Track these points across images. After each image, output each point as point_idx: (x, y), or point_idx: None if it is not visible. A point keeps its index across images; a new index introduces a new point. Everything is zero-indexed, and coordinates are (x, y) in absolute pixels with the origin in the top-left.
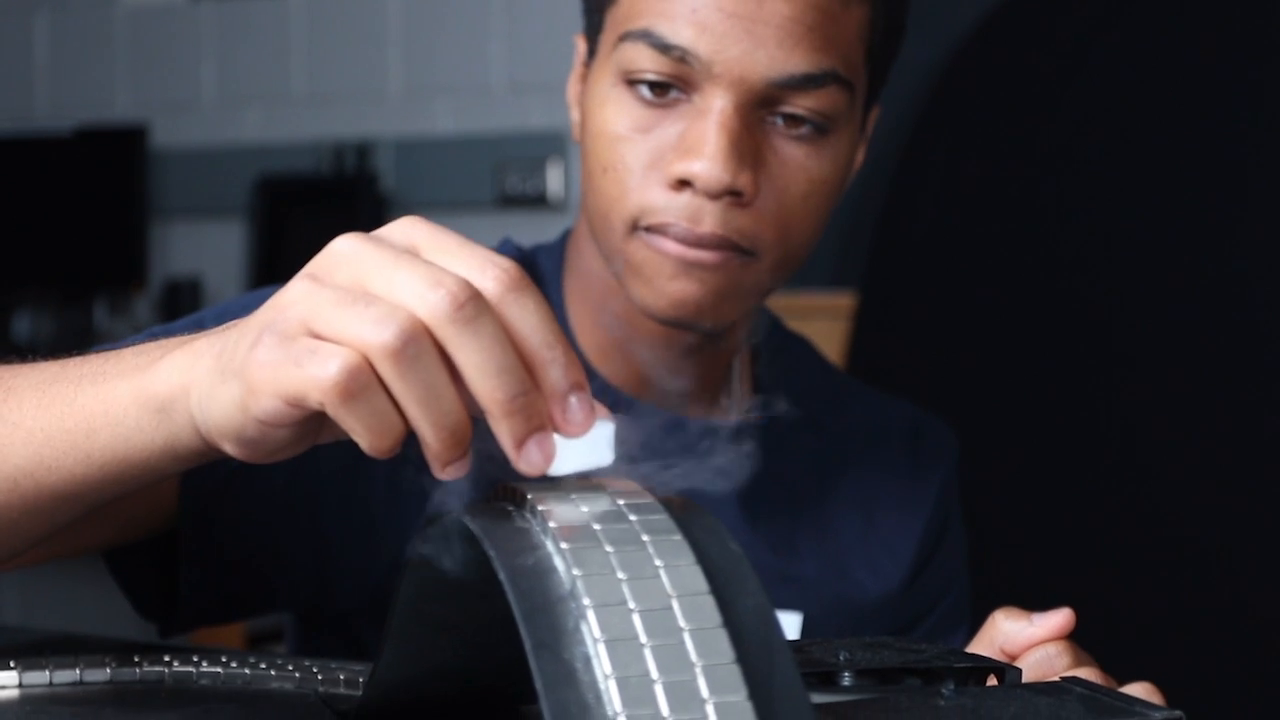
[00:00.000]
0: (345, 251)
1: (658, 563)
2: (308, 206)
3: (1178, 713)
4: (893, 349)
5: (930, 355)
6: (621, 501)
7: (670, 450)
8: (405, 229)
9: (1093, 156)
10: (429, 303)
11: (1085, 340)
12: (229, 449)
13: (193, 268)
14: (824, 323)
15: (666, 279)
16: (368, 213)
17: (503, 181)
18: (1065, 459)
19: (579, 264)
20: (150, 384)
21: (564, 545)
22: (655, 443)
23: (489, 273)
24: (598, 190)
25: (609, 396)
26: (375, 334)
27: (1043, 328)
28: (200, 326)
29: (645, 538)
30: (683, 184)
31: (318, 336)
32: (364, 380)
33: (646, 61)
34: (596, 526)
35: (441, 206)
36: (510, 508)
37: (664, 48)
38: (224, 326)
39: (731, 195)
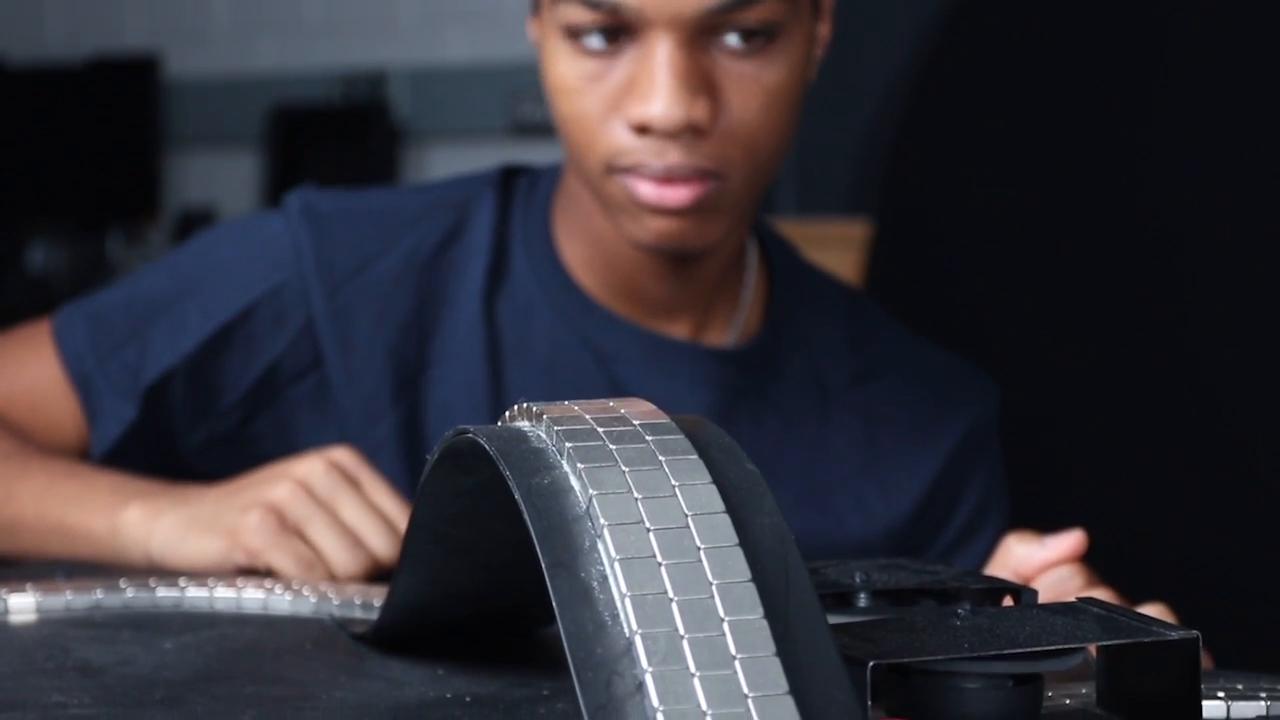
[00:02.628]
0: (322, 480)
1: (674, 482)
2: (321, 136)
3: (1194, 632)
4: (907, 278)
5: (946, 285)
6: (638, 421)
7: (641, 363)
8: (350, 466)
9: (1113, 75)
10: (381, 546)
11: (1106, 264)
12: (172, 569)
13: (207, 197)
14: (837, 252)
15: (648, 217)
16: (381, 142)
17: (515, 110)
18: (1083, 386)
19: (567, 186)
20: (116, 524)
21: (580, 465)
22: (627, 355)
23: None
24: (568, 137)
25: (591, 310)
26: (346, 564)
27: (1063, 254)
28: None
29: (661, 457)
30: (643, 128)
31: (305, 539)
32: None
33: (583, 17)
34: (612, 446)
35: (454, 135)
36: (526, 428)
37: (594, 5)
38: (180, 490)
39: (691, 128)
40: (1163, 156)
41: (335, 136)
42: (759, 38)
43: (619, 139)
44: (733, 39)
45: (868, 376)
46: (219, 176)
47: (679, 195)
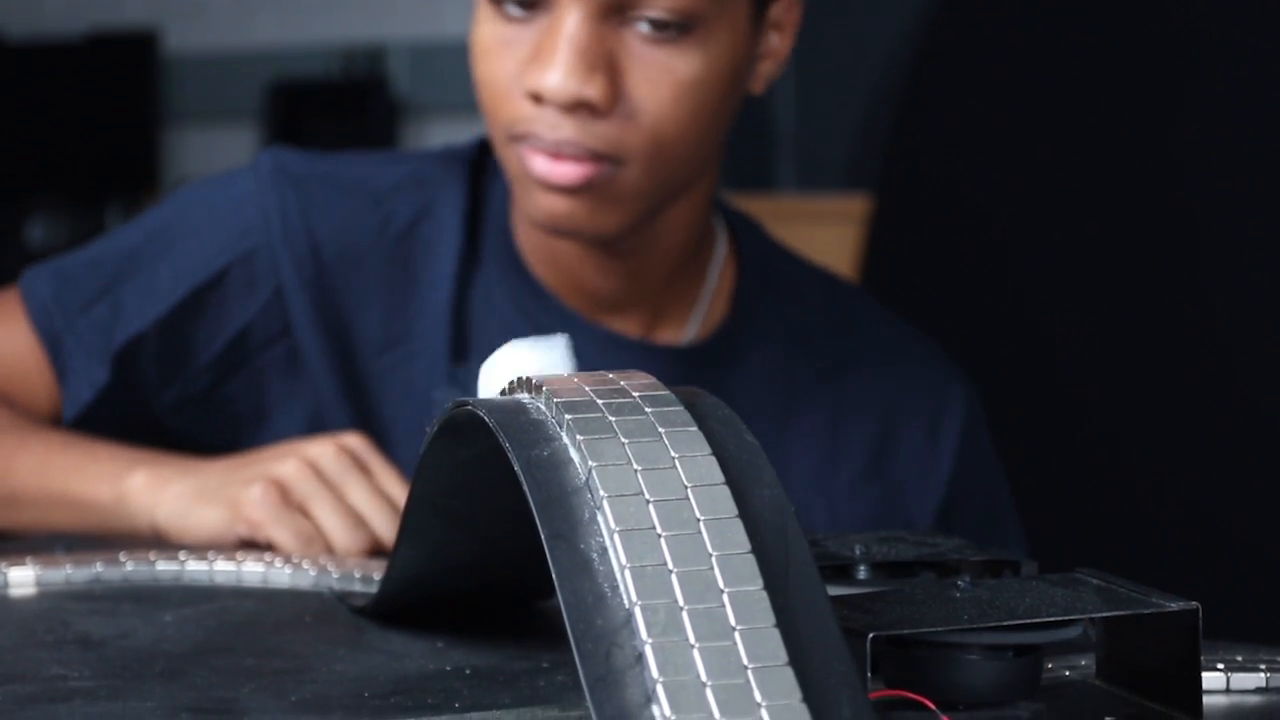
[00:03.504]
0: (331, 462)
1: (673, 454)
2: (320, 111)
3: (1193, 604)
4: (909, 254)
5: (947, 260)
6: (637, 393)
7: (591, 359)
8: (360, 452)
9: (1120, 48)
10: (384, 529)
11: (1111, 240)
12: (175, 539)
13: (205, 172)
14: (836, 227)
15: (539, 193)
16: (380, 117)
17: None
18: (1087, 363)
19: None
20: (121, 492)
21: (579, 437)
22: (577, 351)
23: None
24: (481, 103)
25: (544, 302)
26: (348, 543)
27: (1067, 230)
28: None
29: (661, 429)
30: (537, 97)
31: (308, 516)
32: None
33: None
34: (612, 418)
35: (453, 110)
36: (526, 400)
37: None
38: (185, 460)
39: (585, 106)
40: (1171, 131)
41: (334, 111)
42: (671, 28)
43: (520, 107)
44: (644, 25)
45: (841, 368)
46: (217, 151)
47: (566, 172)
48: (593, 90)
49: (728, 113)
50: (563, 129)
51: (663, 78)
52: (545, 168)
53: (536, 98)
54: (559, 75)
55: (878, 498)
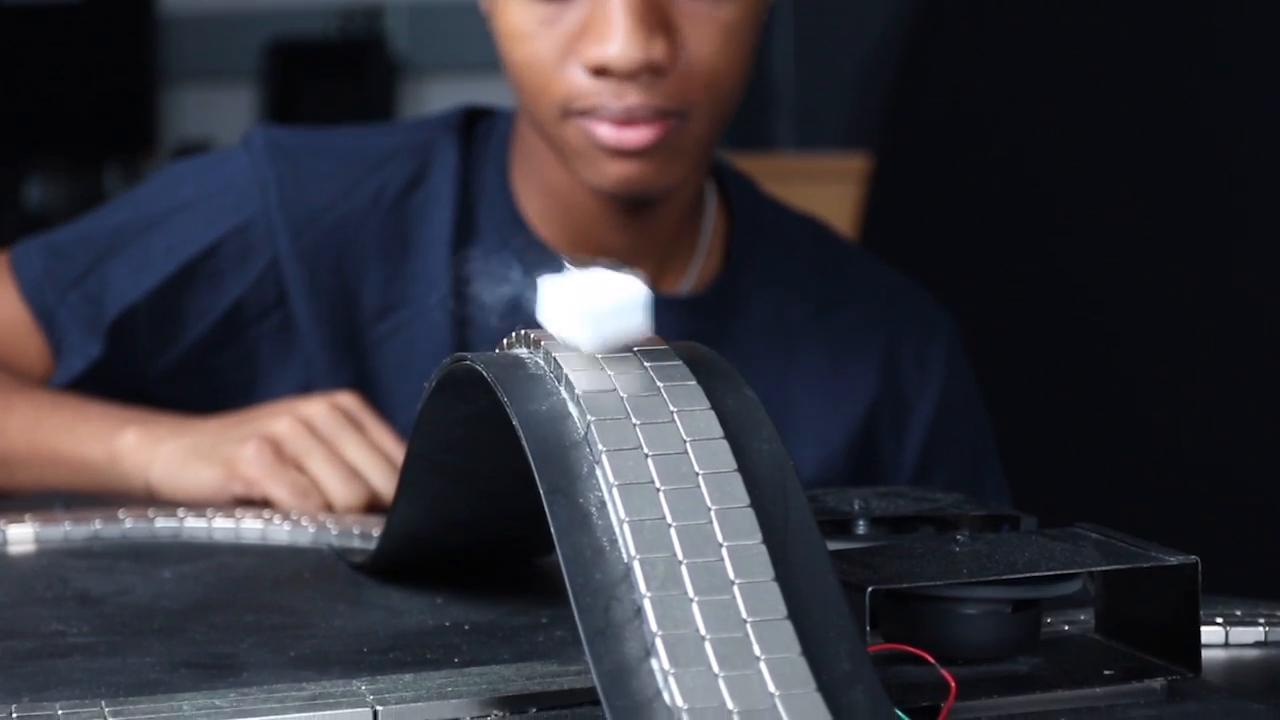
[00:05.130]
0: (325, 419)
1: (672, 408)
2: (318, 70)
3: (1192, 557)
4: (908, 213)
5: (947, 220)
6: (636, 349)
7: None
8: (353, 410)
9: (1130, 9)
10: (380, 482)
11: (1119, 200)
12: (169, 499)
13: (203, 132)
14: (835, 186)
15: (606, 161)
16: (378, 77)
17: None
18: (1090, 325)
19: (521, 137)
20: (113, 451)
21: (578, 391)
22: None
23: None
24: (520, 84)
25: (548, 258)
26: (344, 495)
27: (1071, 187)
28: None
29: (660, 384)
30: (600, 70)
31: (303, 471)
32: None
33: None
34: (610, 373)
35: (452, 69)
36: (524, 356)
37: None
38: (177, 418)
39: (649, 68)
40: (1179, 91)
41: (333, 71)
42: None
43: (576, 82)
44: None
45: (834, 306)
46: (216, 111)
47: (639, 136)
48: (656, 52)
49: (759, 44)
50: (629, 95)
51: (711, 26)
52: (616, 135)
53: (600, 70)
54: (620, 44)
55: (879, 432)
